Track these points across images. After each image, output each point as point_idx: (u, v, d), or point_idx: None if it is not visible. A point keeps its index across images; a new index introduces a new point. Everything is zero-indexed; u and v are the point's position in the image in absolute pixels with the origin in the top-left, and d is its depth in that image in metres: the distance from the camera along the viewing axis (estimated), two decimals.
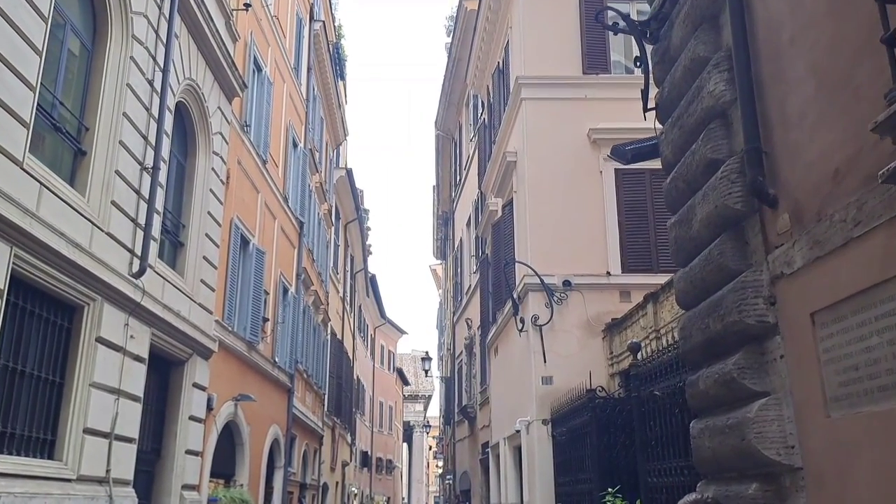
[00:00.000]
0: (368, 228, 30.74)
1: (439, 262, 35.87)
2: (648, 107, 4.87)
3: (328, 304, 19.97)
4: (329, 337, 20.45)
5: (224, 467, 10.96)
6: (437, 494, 48.32)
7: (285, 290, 14.27)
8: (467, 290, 18.13)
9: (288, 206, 14.43)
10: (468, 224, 18.28)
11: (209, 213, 9.73)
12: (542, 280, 10.11)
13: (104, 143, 7.03)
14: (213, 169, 9.90)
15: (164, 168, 8.26)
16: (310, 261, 17.04)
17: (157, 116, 7.97)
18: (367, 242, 31.68)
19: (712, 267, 3.76)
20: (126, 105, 7.36)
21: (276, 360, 13.26)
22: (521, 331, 10.44)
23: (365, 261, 30.28)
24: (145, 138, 7.80)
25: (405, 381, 49.70)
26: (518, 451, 11.34)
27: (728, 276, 3.63)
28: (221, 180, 10.23)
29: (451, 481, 23.43)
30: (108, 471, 6.81)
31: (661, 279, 8.79)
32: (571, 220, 10.54)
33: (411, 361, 53.47)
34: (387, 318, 42.25)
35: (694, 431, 3.96)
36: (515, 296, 10.70)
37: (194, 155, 9.65)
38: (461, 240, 19.59)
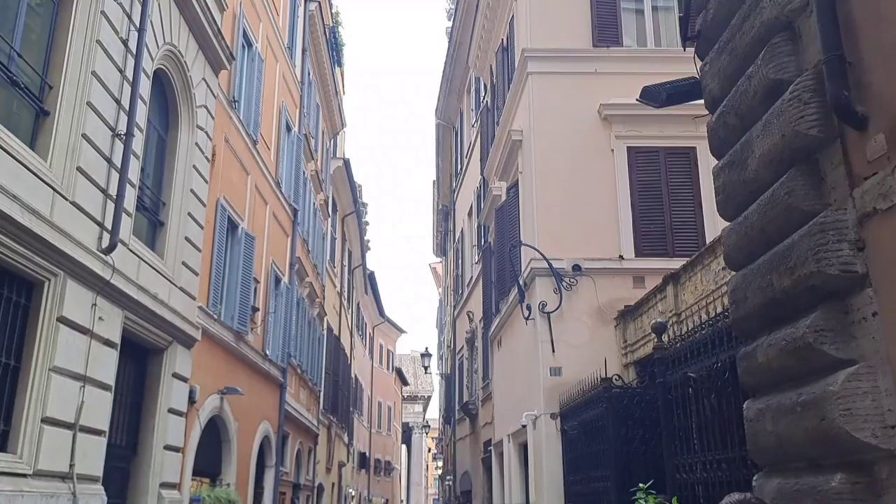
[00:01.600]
0: (367, 223, 30.05)
1: (439, 259, 35.20)
2: (688, 36, 4.16)
3: (324, 298, 19.27)
4: (325, 332, 19.75)
5: (209, 465, 10.26)
6: (436, 497, 47.62)
7: (277, 280, 13.58)
8: (468, 282, 17.44)
9: (281, 191, 13.75)
10: (469, 214, 17.60)
11: (192, 191, 9.04)
12: (550, 264, 9.42)
13: (70, 103, 6.34)
14: (196, 144, 9.21)
15: (140, 137, 7.59)
16: (304, 251, 16.35)
17: (131, 79, 7.28)
18: (366, 238, 30.99)
19: (777, 211, 3.08)
20: (96, 64, 6.68)
21: (267, 352, 12.57)
22: (527, 319, 9.75)
23: (363, 256, 29.57)
24: (118, 102, 7.11)
25: (404, 382, 48.96)
26: (524, 448, 10.64)
27: (799, 219, 2.95)
28: (206, 157, 9.55)
29: (450, 482, 22.70)
30: (71, 465, 6.12)
31: (677, 264, 8.12)
32: (581, 202, 9.86)
33: (410, 362, 52.78)
34: (386, 317, 41.52)
35: (750, 413, 3.28)
36: (521, 282, 10.01)
37: (176, 128, 8.97)
38: (462, 230, 18.90)
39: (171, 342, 8.37)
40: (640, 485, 4.25)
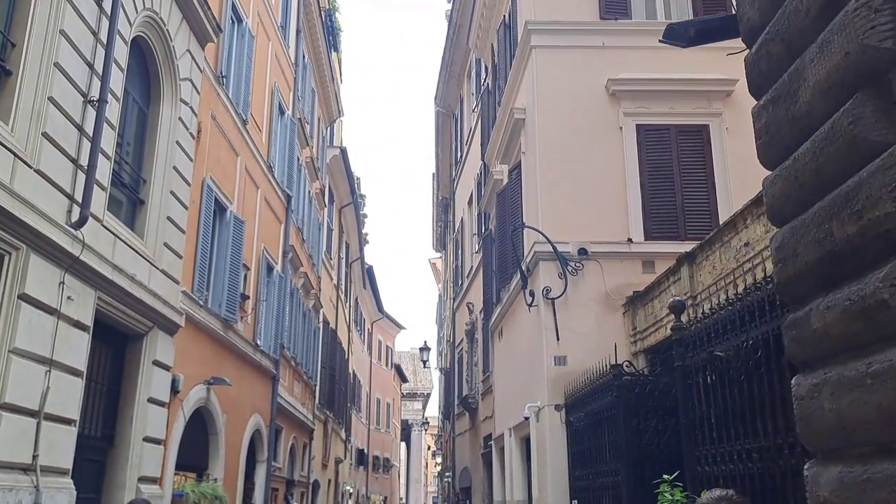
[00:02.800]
0: (365, 216, 29.54)
1: (439, 255, 34.70)
2: None
3: (320, 290, 18.76)
4: (321, 325, 19.24)
5: (195, 459, 9.75)
6: (436, 495, 47.16)
7: (270, 268, 13.06)
8: (468, 272, 16.93)
9: (273, 176, 13.23)
10: (469, 202, 17.08)
11: (175, 168, 8.53)
12: (554, 248, 8.91)
13: (35, 64, 5.82)
14: (180, 119, 8.70)
15: (116, 107, 7.08)
16: (299, 240, 15.84)
17: (105, 42, 6.77)
18: (364, 231, 30.49)
19: (837, 146, 2.57)
20: (64, 22, 6.16)
21: (259, 342, 12.06)
22: (530, 306, 9.24)
23: (361, 250, 29.06)
24: (90, 66, 6.59)
25: (403, 379, 48.50)
26: (526, 441, 10.14)
27: (867, 153, 2.43)
28: (191, 134, 9.03)
29: (449, 479, 22.21)
30: (35, 457, 5.61)
31: (689, 247, 7.61)
32: (588, 182, 9.35)
33: (410, 359, 52.33)
34: (385, 313, 41.03)
35: (801, 391, 2.76)
36: (524, 267, 9.50)
37: (158, 101, 8.45)
38: (462, 220, 18.39)
39: (152, 327, 7.86)
40: (665, 476, 3.74)
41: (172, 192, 8.46)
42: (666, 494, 3.54)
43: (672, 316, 7.12)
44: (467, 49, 16.77)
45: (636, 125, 9.47)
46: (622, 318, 8.80)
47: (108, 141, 6.93)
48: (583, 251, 9.02)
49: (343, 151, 21.08)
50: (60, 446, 5.97)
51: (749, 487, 4.04)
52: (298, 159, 15.70)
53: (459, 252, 19.07)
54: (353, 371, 29.13)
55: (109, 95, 6.77)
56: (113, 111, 7.02)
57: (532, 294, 9.22)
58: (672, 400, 6.48)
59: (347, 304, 26.35)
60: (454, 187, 20.43)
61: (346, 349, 25.27)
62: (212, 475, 9.95)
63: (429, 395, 52.81)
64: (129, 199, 7.95)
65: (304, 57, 16.26)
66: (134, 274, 7.31)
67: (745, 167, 9.17)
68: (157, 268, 8.00)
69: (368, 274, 33.27)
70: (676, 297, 5.46)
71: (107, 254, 6.81)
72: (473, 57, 16.41)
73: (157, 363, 7.94)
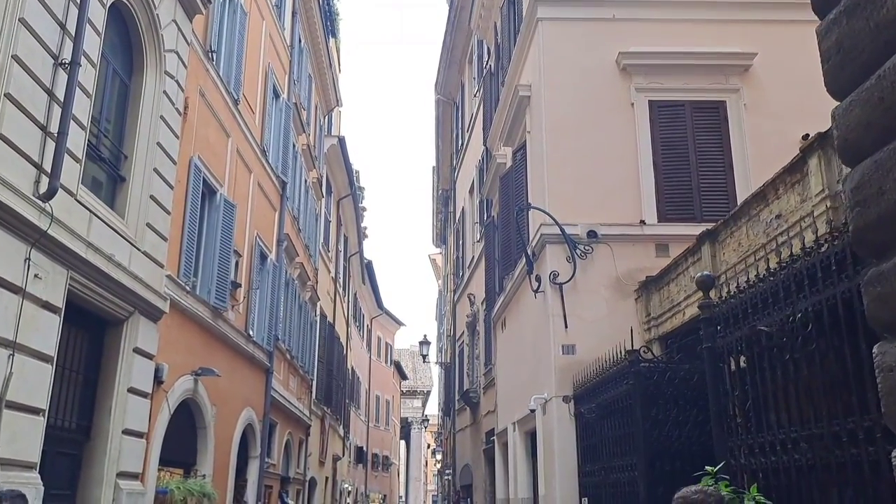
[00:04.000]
0: (364, 209, 29.01)
1: (439, 250, 34.19)
2: None
3: (317, 283, 18.25)
4: (318, 318, 18.72)
5: (182, 454, 9.24)
6: (435, 493, 46.68)
7: (263, 257, 12.54)
8: (470, 263, 16.41)
9: (267, 160, 12.70)
10: (471, 191, 16.56)
11: (160, 144, 8.01)
12: (562, 229, 8.39)
13: None
14: (165, 93, 8.17)
15: (91, 73, 6.55)
16: (294, 229, 15.32)
17: (79, 2, 6.24)
18: (363, 225, 29.95)
19: None
20: None
21: (251, 333, 11.54)
22: (536, 292, 8.72)
23: (360, 244, 28.54)
24: (62, 26, 6.07)
25: (403, 376, 47.98)
26: (531, 436, 9.64)
27: None
28: (177, 109, 8.51)
29: (450, 476, 21.71)
30: None
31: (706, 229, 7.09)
32: (597, 161, 8.83)
33: (409, 357, 51.82)
34: (384, 309, 40.50)
35: (887, 360, 2.25)
36: (529, 251, 8.98)
37: (141, 72, 7.93)
38: (463, 209, 17.86)
39: (133, 312, 7.34)
40: (708, 468, 3.23)
41: (156, 170, 7.94)
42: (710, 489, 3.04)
43: (695, 298, 6.61)
44: (469, 32, 16.25)
45: (648, 101, 8.96)
46: (634, 304, 8.29)
47: (83, 109, 6.41)
48: (592, 234, 8.50)
49: (341, 141, 20.56)
50: (25, 437, 5.45)
51: (794, 481, 3.53)
52: (294, 146, 15.19)
53: (460, 243, 18.55)
54: (352, 367, 28.61)
55: (83, 59, 6.25)
56: (88, 77, 6.50)
57: (538, 279, 8.70)
58: (693, 388, 5.98)
59: (346, 298, 25.83)
60: (455, 177, 19.91)
61: (344, 344, 24.75)
62: (200, 471, 9.43)
63: (428, 392, 52.33)
64: (109, 175, 7.43)
65: (300, 41, 15.73)
66: (112, 254, 6.79)
67: (763, 145, 8.67)
68: (138, 249, 7.47)
69: (368, 269, 32.75)
70: (705, 272, 4.95)
71: (80, 231, 6.29)
72: (475, 40, 15.88)
73: (138, 351, 7.42)
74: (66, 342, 6.57)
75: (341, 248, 24.12)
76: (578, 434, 7.87)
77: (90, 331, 7.05)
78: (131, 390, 7.27)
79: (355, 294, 30.29)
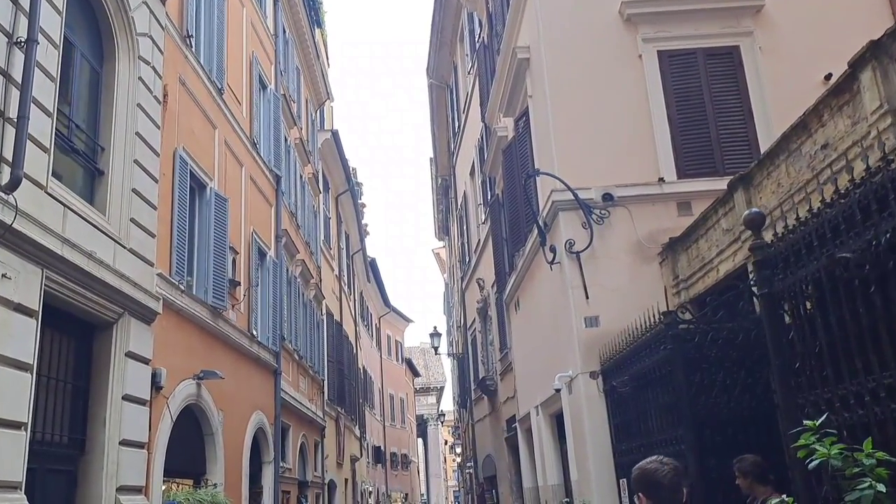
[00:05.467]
0: (363, 205, 28.45)
1: (442, 243, 33.64)
2: None
3: (321, 281, 17.71)
4: (325, 317, 18.20)
5: (190, 464, 8.73)
6: (457, 489, 46.22)
7: (262, 254, 12.01)
8: (476, 247, 15.84)
9: (258, 153, 12.16)
10: (472, 173, 15.99)
11: (139, 134, 7.47)
12: (575, 195, 7.82)
13: None
14: (140, 79, 7.62)
15: (53, 53, 6.00)
16: (293, 226, 14.78)
17: None
18: (364, 221, 29.41)
19: None
20: None
21: (255, 333, 11.01)
22: (552, 263, 8.16)
23: (362, 241, 28.00)
24: (15, 2, 5.52)
25: (415, 373, 47.54)
26: (557, 418, 9.09)
27: None
28: (156, 97, 7.96)
29: (471, 469, 21.18)
30: None
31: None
32: (607, 120, 8.26)
33: (420, 354, 51.40)
34: (391, 307, 40.05)
35: None
36: (541, 221, 8.42)
37: (113, 59, 7.39)
38: (465, 193, 17.29)
39: (122, 314, 6.80)
40: (808, 422, 2.68)
41: (137, 162, 7.40)
42: (817, 449, 2.46)
43: (729, 252, 6.05)
44: (458, 8, 15.67)
45: (657, 52, 8.37)
46: (659, 267, 7.72)
47: (46, 93, 5.87)
48: (608, 196, 7.93)
49: (335, 134, 20.01)
50: (6, 455, 4.92)
51: (893, 436, 2.98)
52: (286, 139, 14.64)
53: (464, 228, 17.98)
54: (364, 367, 28.11)
55: (42, 38, 5.70)
56: (50, 60, 5.96)
57: (553, 250, 8.14)
58: (739, 348, 5.43)
59: (352, 297, 25.32)
60: (454, 162, 19.34)
61: (353, 343, 24.24)
62: (210, 481, 8.91)
63: (442, 388, 51.87)
64: (86, 169, 6.89)
65: (284, 31, 15.16)
66: (93, 251, 6.24)
67: (783, 89, 8.10)
68: (123, 247, 6.93)
69: (372, 266, 32.23)
70: (753, 209, 4.38)
71: (54, 226, 5.75)
72: (465, 15, 15.30)
73: (131, 355, 6.89)
74: (50, 349, 6.06)
75: (343, 245, 23.59)
76: (610, 411, 7.32)
77: (77, 336, 6.52)
78: (127, 398, 6.74)
79: (361, 293, 29.78)
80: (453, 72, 18.17)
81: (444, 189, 24.82)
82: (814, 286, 3.55)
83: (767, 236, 4.47)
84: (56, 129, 6.12)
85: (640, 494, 2.45)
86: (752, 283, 5.54)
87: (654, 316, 6.14)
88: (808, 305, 3.64)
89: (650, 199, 7.94)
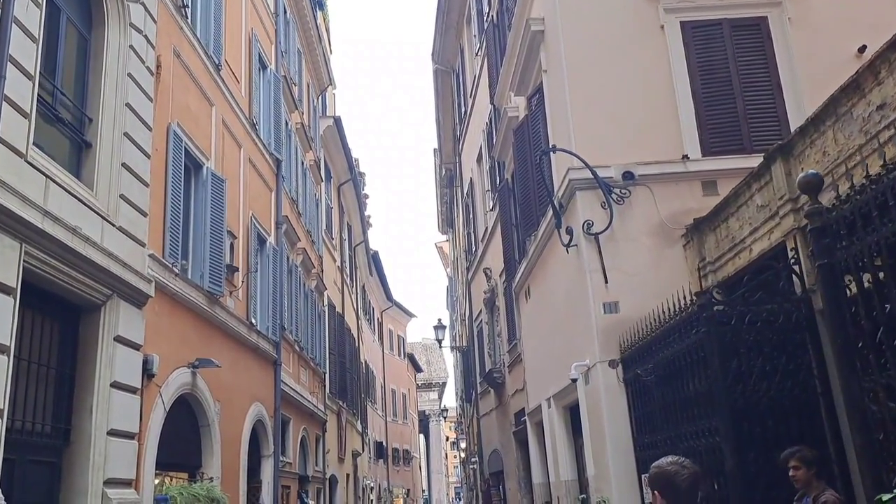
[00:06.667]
0: (366, 196, 27.98)
1: (445, 237, 33.14)
2: None
3: (322, 271, 17.26)
4: (326, 309, 17.76)
5: (185, 457, 8.30)
6: (458, 485, 45.79)
7: (262, 240, 11.56)
8: (483, 236, 15.38)
9: (258, 136, 11.70)
10: (478, 159, 15.52)
11: (129, 106, 7.02)
12: (593, 172, 7.36)
13: None
14: (132, 48, 7.17)
15: (34, 11, 5.55)
16: (294, 213, 14.34)
17: None
18: (367, 213, 28.93)
19: None
20: None
21: (254, 322, 10.57)
22: (568, 246, 7.71)
23: (364, 233, 27.52)
24: None
25: (417, 368, 47.12)
26: (572, 410, 8.65)
27: None
28: (148, 68, 7.51)
29: (475, 465, 20.75)
30: None
31: (756, 161, 6.09)
32: (628, 94, 7.79)
33: (423, 350, 51.05)
34: (394, 301, 39.60)
35: None
36: (556, 202, 7.96)
37: (102, 25, 6.94)
38: (471, 181, 16.82)
39: (111, 296, 6.36)
40: (884, 497, 2.24)
41: (128, 135, 6.95)
42: None
43: (765, 230, 5.59)
44: None
45: (680, 22, 7.91)
46: (683, 250, 7.26)
47: (27, 54, 5.42)
48: (628, 175, 7.47)
49: (337, 121, 19.54)
50: None
51: None
52: (287, 123, 14.18)
53: (471, 217, 17.52)
54: (366, 361, 27.67)
55: None
56: (31, 18, 5.51)
57: (569, 232, 7.68)
58: (779, 332, 4.98)
59: (354, 290, 24.87)
60: (459, 149, 18.86)
61: (356, 337, 23.80)
62: (206, 474, 8.48)
63: (444, 384, 51.49)
64: (72, 141, 6.44)
65: (285, 10, 14.69)
66: (77, 226, 5.80)
67: (814, 63, 7.63)
68: (112, 224, 6.49)
69: (374, 260, 31.77)
70: (810, 171, 3.92)
71: (35, 197, 5.30)
72: None
73: (120, 340, 6.45)
74: (32, 332, 5.63)
75: (345, 236, 23.14)
76: (630, 402, 6.87)
77: (61, 319, 6.08)
78: (115, 385, 6.30)
79: (363, 286, 29.32)
80: (459, 55, 17.68)
81: (448, 180, 24.35)
82: (888, 252, 3.10)
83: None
84: (39, 95, 5.70)
85: (655, 492, 2.48)
86: (792, 260, 5.10)
87: (682, 298, 5.69)
88: (881, 276, 3.19)
89: (673, 177, 7.48)
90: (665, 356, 5.83)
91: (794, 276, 5.13)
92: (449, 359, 43.94)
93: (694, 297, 5.24)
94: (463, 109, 17.60)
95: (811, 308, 4.95)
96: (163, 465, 7.46)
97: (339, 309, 19.82)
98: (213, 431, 8.72)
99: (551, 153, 7.89)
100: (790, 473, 4.11)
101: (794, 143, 5.24)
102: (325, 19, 19.83)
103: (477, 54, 14.77)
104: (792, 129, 6.37)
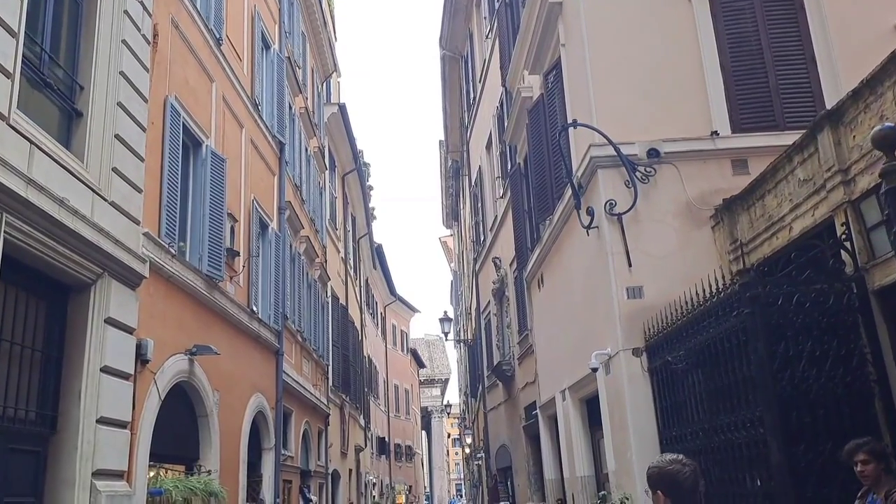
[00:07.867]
0: (370, 187, 27.54)
1: (450, 232, 32.71)
2: None
3: (326, 262, 16.85)
4: (330, 300, 17.35)
5: (181, 448, 7.89)
6: (459, 482, 45.42)
7: (264, 225, 11.14)
8: (492, 224, 14.94)
9: (261, 117, 11.28)
10: (488, 146, 15.07)
11: (123, 74, 6.59)
12: (616, 149, 6.92)
13: None
14: (126, 13, 6.75)
15: None
16: (297, 200, 13.91)
17: None
18: (371, 205, 28.51)
19: None
20: None
21: (255, 309, 10.15)
22: (588, 228, 7.27)
23: (369, 225, 27.11)
24: None
25: (420, 364, 46.73)
26: (589, 402, 8.22)
27: None
28: (144, 36, 7.08)
29: (481, 461, 20.34)
30: None
31: (790, 139, 5.66)
32: (652, 67, 7.35)
33: (426, 346, 50.75)
34: (397, 296, 39.21)
35: None
36: (576, 181, 7.52)
37: None
38: (480, 169, 16.37)
39: (101, 275, 5.94)
40: None
41: (121, 105, 6.53)
42: None
43: (807, 206, 5.14)
44: None
45: None
46: (712, 232, 6.82)
47: (10, 9, 5.00)
48: (654, 152, 7.03)
49: (342, 108, 19.09)
50: None
51: None
52: (291, 107, 13.75)
53: (479, 206, 17.08)
54: (368, 355, 27.28)
55: None
56: None
57: (590, 212, 7.24)
58: (829, 313, 4.55)
59: (357, 282, 24.47)
60: (467, 137, 18.40)
61: (359, 330, 23.40)
62: (204, 467, 8.08)
63: (447, 380, 51.15)
64: (62, 109, 6.01)
65: None
66: (65, 198, 5.38)
67: (850, 36, 7.17)
68: (104, 199, 6.07)
69: (378, 253, 31.36)
70: (886, 124, 3.49)
71: (17, 164, 4.88)
72: None
73: (112, 322, 6.03)
74: (15, 311, 5.22)
75: (349, 227, 22.73)
76: (656, 392, 6.44)
77: (48, 298, 5.66)
78: (106, 370, 5.88)
79: (367, 279, 28.92)
80: (468, 40, 17.22)
81: (454, 171, 23.92)
82: None
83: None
84: (25, 57, 5.29)
85: (658, 493, 2.48)
86: (843, 237, 4.67)
87: (715, 281, 5.26)
88: None
89: (701, 155, 7.03)
90: (699, 342, 5.40)
91: (844, 252, 4.70)
92: (452, 355, 43.60)
93: (733, 278, 4.80)
94: (471, 96, 17.16)
95: (864, 288, 4.53)
96: (158, 457, 7.05)
97: (342, 301, 19.42)
98: (212, 422, 8.31)
99: (571, 129, 7.44)
100: (857, 469, 3.68)
101: (845, 109, 4.80)
102: (330, 5, 19.39)
103: (487, 37, 14.32)
104: (828, 105, 5.94)
